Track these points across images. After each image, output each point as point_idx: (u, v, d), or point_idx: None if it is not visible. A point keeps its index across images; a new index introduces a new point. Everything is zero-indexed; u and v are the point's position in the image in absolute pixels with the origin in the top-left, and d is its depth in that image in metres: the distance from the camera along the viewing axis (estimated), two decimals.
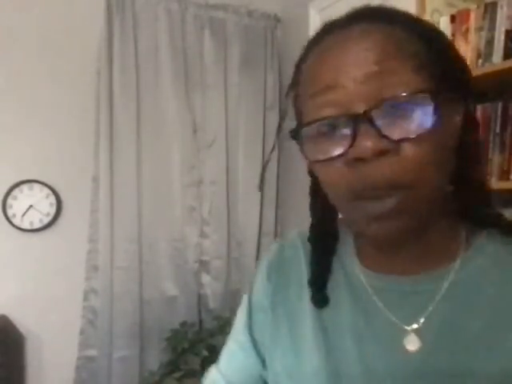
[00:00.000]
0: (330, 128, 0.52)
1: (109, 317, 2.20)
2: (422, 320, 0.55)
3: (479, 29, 1.48)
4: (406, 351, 0.54)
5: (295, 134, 0.55)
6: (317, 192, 0.62)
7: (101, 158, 2.22)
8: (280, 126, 2.52)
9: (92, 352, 2.18)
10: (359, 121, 0.49)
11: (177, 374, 2.02)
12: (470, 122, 0.56)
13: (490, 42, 1.45)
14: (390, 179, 0.49)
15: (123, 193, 2.26)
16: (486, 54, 1.45)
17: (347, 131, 0.50)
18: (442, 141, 0.51)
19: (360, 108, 0.49)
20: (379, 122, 0.48)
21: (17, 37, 2.18)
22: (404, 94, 0.48)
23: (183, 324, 2.24)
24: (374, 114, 0.48)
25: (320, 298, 0.62)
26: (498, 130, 1.46)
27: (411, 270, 0.57)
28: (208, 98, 2.45)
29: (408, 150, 0.49)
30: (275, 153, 2.58)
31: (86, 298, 2.20)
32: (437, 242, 0.57)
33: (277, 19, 2.61)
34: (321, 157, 0.52)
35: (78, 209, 2.27)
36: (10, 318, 2.15)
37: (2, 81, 2.17)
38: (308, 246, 0.66)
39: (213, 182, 2.45)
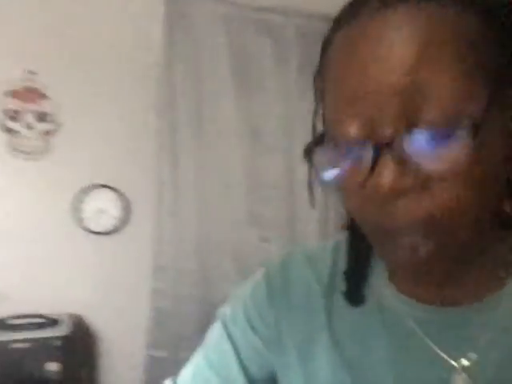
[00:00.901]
0: (350, 149, 0.43)
1: (175, 318, 2.25)
2: (473, 356, 0.47)
3: None
4: None
5: (309, 152, 0.46)
6: None
7: (165, 162, 2.27)
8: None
9: (160, 353, 2.24)
10: (381, 149, 0.40)
11: None
12: None
13: None
14: (416, 220, 0.40)
15: (187, 196, 2.31)
16: None
17: (369, 156, 0.41)
18: (490, 167, 0.41)
19: (387, 129, 0.40)
20: (407, 150, 0.39)
21: (82, 44, 2.28)
22: (441, 120, 0.38)
23: None
24: (402, 140, 0.39)
25: (356, 293, 0.53)
26: None
27: (457, 299, 0.49)
28: (268, 102, 2.47)
29: (440, 186, 0.39)
30: None
31: (153, 300, 2.27)
32: (484, 266, 0.49)
33: None
34: (337, 182, 0.44)
35: (145, 212, 2.33)
36: (84, 318, 2.24)
37: (77, 88, 2.26)
38: (319, 264, 0.58)
39: (274, 186, 2.47)
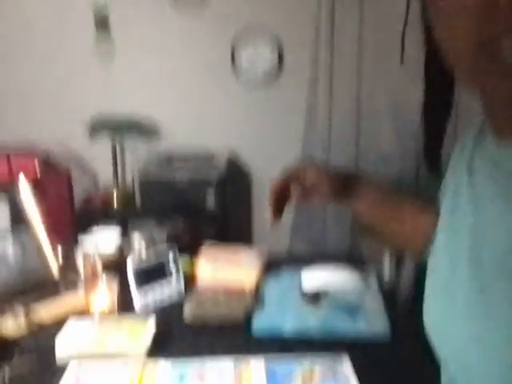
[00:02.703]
0: None
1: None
2: None
3: None
4: None
5: None
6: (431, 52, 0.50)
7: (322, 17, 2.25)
8: None
9: None
10: None
11: None
12: None
13: None
14: None
15: (343, 49, 2.27)
16: None
17: None
18: None
19: None
20: None
21: None
22: None
23: None
24: None
25: (432, 162, 0.53)
26: None
27: None
28: None
29: None
30: None
31: (304, 148, 2.32)
32: None
33: None
34: None
35: (299, 60, 2.34)
36: (240, 156, 2.41)
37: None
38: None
39: None
